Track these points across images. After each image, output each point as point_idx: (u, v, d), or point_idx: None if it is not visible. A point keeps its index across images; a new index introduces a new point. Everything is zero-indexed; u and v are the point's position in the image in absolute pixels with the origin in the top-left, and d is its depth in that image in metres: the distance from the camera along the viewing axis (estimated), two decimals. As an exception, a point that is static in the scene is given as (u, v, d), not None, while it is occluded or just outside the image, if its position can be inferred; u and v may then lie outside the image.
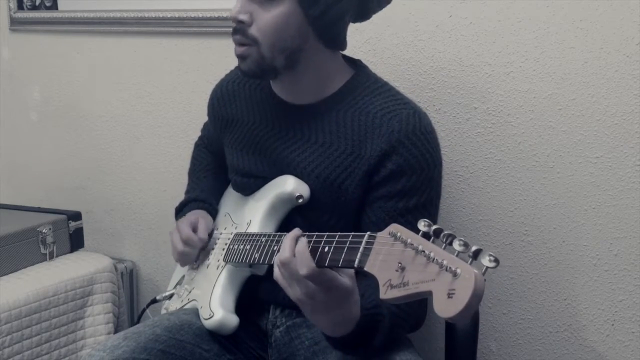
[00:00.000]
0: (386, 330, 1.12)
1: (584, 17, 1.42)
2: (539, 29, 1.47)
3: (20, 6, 2.14)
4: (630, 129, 1.42)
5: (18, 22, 2.16)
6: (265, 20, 1.20)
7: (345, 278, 1.02)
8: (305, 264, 1.00)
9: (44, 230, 1.91)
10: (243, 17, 1.21)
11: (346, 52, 1.35)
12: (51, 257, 1.92)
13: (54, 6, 2.09)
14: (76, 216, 2.01)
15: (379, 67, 1.56)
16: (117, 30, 2.00)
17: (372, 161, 1.21)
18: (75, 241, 2.00)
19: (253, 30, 1.21)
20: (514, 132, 1.52)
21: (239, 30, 1.22)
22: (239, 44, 1.24)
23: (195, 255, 1.40)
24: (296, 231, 1.07)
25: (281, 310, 1.34)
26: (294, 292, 1.04)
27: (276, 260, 1.06)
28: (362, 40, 1.64)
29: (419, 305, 1.23)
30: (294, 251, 1.03)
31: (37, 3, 2.12)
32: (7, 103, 2.25)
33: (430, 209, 1.24)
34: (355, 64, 1.35)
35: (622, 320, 1.49)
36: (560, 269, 1.53)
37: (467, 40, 1.54)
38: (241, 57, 1.25)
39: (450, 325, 1.40)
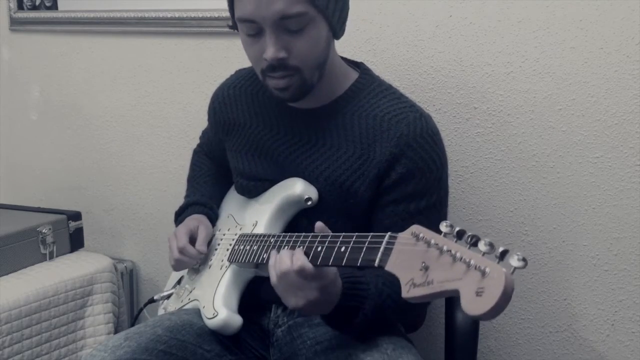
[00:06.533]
0: (375, 298, 1.14)
1: (584, 17, 1.43)
2: (539, 29, 1.47)
3: (20, 6, 2.14)
4: (630, 129, 1.42)
5: (18, 22, 2.16)
6: (303, 48, 1.19)
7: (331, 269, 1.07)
8: (299, 259, 1.06)
9: (44, 230, 1.90)
10: (282, 54, 1.18)
11: (346, 53, 1.35)
12: (51, 257, 1.92)
13: (54, 6, 2.09)
14: (76, 216, 2.01)
15: (379, 67, 1.56)
16: (117, 30, 2.00)
17: (382, 165, 1.23)
18: (75, 241, 2.00)
19: (293, 61, 1.19)
20: (514, 132, 1.53)
21: (278, 66, 1.19)
22: (280, 77, 1.21)
23: (191, 264, 1.39)
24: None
25: (283, 310, 1.34)
26: (296, 300, 1.09)
27: (276, 270, 1.09)
28: (362, 40, 1.64)
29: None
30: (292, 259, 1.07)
31: (37, 3, 2.12)
32: (7, 103, 2.25)
33: (440, 208, 1.27)
34: (359, 67, 1.35)
35: (622, 320, 1.49)
36: (560, 269, 1.53)
37: (467, 40, 1.54)
38: (283, 90, 1.23)
39: (450, 325, 1.40)
